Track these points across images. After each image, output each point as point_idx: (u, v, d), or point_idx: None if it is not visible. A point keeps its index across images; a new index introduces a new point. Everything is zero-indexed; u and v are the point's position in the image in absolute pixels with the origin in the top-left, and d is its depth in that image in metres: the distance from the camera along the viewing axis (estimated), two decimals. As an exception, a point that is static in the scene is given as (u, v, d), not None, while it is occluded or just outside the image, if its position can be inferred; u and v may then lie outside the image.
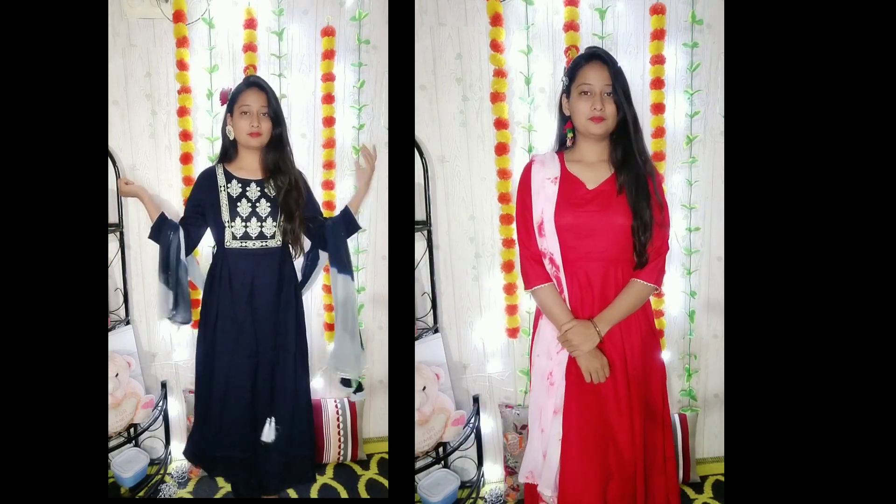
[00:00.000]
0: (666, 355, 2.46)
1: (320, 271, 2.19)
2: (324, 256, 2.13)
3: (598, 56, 1.66)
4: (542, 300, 1.70)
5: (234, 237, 1.95)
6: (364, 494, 2.41)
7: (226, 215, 1.95)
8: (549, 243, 1.66)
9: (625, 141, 1.65)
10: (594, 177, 1.68)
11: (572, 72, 1.67)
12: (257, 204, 1.96)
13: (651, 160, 1.71)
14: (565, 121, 1.73)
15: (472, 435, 2.40)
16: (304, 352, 2.06)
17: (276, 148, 1.98)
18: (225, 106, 2.01)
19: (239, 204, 1.95)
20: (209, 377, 1.99)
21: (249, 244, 1.96)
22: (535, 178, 1.70)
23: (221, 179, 1.98)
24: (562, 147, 1.77)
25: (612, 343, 1.67)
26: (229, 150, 2.02)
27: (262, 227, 1.95)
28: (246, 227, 1.95)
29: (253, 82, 1.98)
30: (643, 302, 1.69)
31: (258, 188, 1.98)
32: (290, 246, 2.03)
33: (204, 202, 1.99)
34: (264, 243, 1.97)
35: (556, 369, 1.69)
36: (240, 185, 1.97)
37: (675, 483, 1.80)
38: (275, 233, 1.98)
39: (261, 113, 1.93)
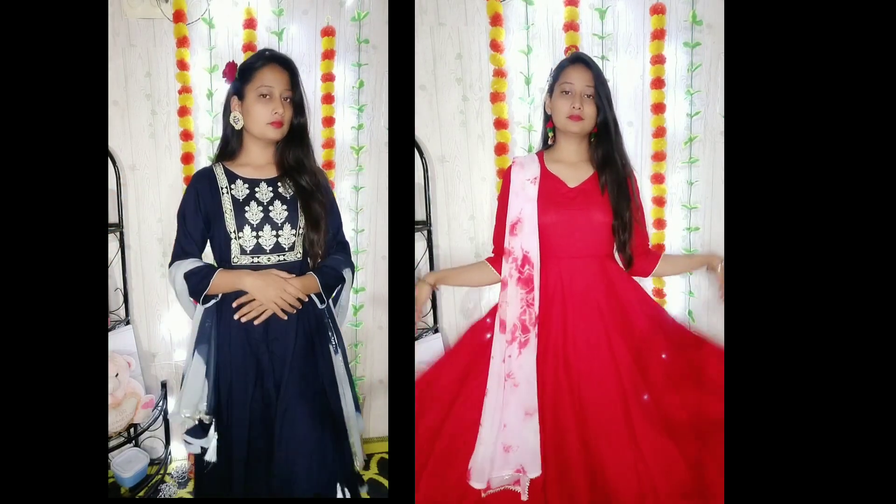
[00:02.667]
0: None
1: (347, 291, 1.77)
2: (348, 275, 1.74)
3: (581, 60, 1.72)
4: (473, 268, 1.84)
5: (244, 251, 1.57)
6: (364, 494, 2.41)
7: (231, 224, 1.56)
8: (526, 242, 1.68)
9: (606, 143, 1.70)
10: (575, 176, 1.73)
11: (556, 73, 1.74)
12: (270, 207, 1.58)
13: (630, 163, 1.76)
14: (547, 119, 1.78)
15: (472, 435, 2.39)
16: (328, 395, 1.64)
17: (300, 142, 1.63)
18: (230, 85, 1.63)
19: (247, 208, 1.57)
20: (221, 424, 1.58)
21: (263, 259, 1.58)
22: (515, 180, 1.73)
23: (222, 180, 1.60)
24: (545, 146, 1.81)
25: (603, 350, 1.66)
26: (231, 143, 1.65)
27: (277, 236, 1.58)
28: (257, 237, 1.57)
29: (272, 57, 1.60)
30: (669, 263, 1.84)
31: (269, 188, 1.61)
32: (313, 260, 1.65)
33: (207, 211, 1.60)
34: (281, 257, 1.60)
35: (518, 371, 1.67)
36: (246, 185, 1.60)
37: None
38: (294, 243, 1.60)
39: (283, 98, 1.57)
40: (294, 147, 1.63)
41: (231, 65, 1.63)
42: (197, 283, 1.54)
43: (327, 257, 1.68)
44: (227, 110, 1.63)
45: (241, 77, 1.60)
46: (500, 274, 1.76)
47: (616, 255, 1.77)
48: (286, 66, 1.60)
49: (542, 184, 1.70)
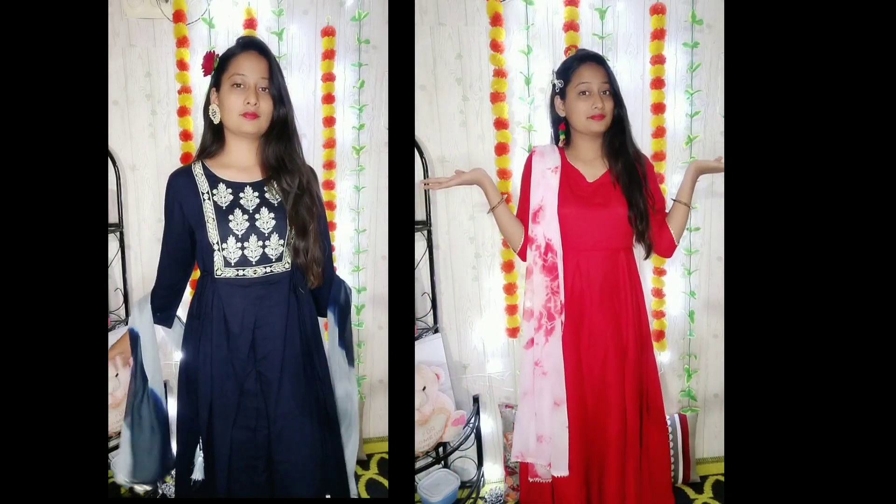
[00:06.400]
0: (666, 355, 2.46)
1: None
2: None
3: (592, 57, 1.73)
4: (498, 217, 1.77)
5: (227, 263, 1.44)
6: (364, 494, 2.41)
7: (213, 234, 1.43)
8: (549, 230, 1.70)
9: (620, 136, 1.71)
10: (593, 171, 1.75)
11: (566, 73, 1.73)
12: (256, 215, 1.45)
13: (640, 151, 1.77)
14: (559, 122, 1.78)
15: (472, 435, 2.39)
16: (329, 414, 1.56)
17: (281, 137, 1.48)
18: (210, 76, 1.52)
19: (231, 217, 1.44)
20: (206, 453, 1.48)
21: (248, 272, 1.45)
22: (536, 168, 1.74)
23: (202, 183, 1.45)
24: (558, 145, 1.82)
25: (609, 341, 1.71)
26: (212, 140, 1.52)
27: (264, 246, 1.45)
28: (243, 248, 1.44)
29: (249, 43, 1.49)
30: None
31: (255, 193, 1.47)
32: (302, 271, 1.51)
33: (188, 219, 1.47)
34: (269, 269, 1.46)
35: (546, 360, 1.71)
36: (229, 189, 1.45)
37: (668, 484, 1.85)
38: (282, 254, 1.47)
39: (260, 87, 1.44)
40: (276, 143, 1.47)
41: (208, 55, 1.50)
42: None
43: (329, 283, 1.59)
44: (207, 103, 1.51)
45: (218, 67, 1.48)
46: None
47: (636, 245, 1.77)
48: (263, 52, 1.46)
49: (563, 174, 1.72)
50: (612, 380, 1.70)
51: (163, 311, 1.60)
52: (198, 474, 1.47)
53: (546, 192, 1.70)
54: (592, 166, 1.75)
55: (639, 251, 1.79)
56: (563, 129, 1.76)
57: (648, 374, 1.77)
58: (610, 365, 1.70)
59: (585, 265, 1.70)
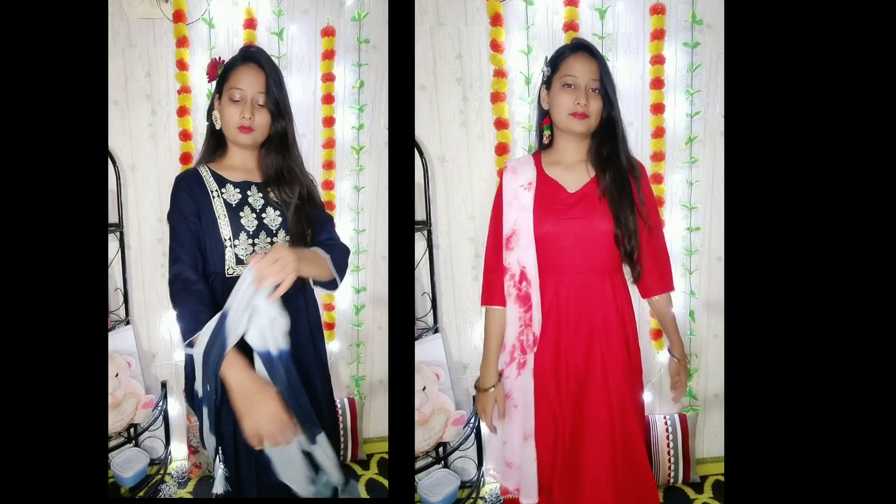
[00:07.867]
0: (666, 355, 2.46)
1: None
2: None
3: (585, 48, 1.51)
4: (488, 324, 1.58)
5: (239, 260, 1.44)
6: (364, 494, 2.41)
7: (226, 230, 1.43)
8: (522, 256, 1.50)
9: (610, 142, 1.50)
10: (575, 180, 1.52)
11: (555, 62, 1.52)
12: (263, 214, 1.48)
13: (635, 162, 1.55)
14: (544, 115, 1.56)
15: (472, 435, 2.40)
16: (334, 417, 1.57)
17: (279, 149, 1.51)
18: (214, 83, 1.53)
19: (241, 214, 1.46)
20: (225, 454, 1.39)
21: None
22: (507, 188, 1.54)
23: (211, 183, 1.47)
24: (541, 146, 1.61)
25: (589, 379, 1.54)
26: (215, 145, 1.54)
27: (272, 243, 1.47)
28: (254, 244, 1.45)
29: (251, 57, 1.48)
30: (671, 309, 1.62)
31: (260, 193, 1.50)
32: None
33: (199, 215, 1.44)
34: None
35: (517, 392, 1.57)
36: (237, 189, 1.48)
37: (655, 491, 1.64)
38: None
39: (256, 102, 1.45)
40: (275, 155, 1.50)
41: (213, 62, 1.52)
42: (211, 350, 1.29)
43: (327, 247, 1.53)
44: (210, 108, 1.53)
45: (222, 75, 1.49)
46: (501, 300, 1.56)
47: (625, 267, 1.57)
48: (262, 66, 1.46)
49: (538, 189, 1.51)
50: (592, 419, 1.51)
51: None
52: (218, 488, 1.37)
53: (519, 213, 1.49)
54: (575, 172, 1.52)
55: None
56: (547, 123, 1.55)
57: (637, 417, 1.56)
58: (591, 405, 1.51)
59: (565, 291, 1.50)
